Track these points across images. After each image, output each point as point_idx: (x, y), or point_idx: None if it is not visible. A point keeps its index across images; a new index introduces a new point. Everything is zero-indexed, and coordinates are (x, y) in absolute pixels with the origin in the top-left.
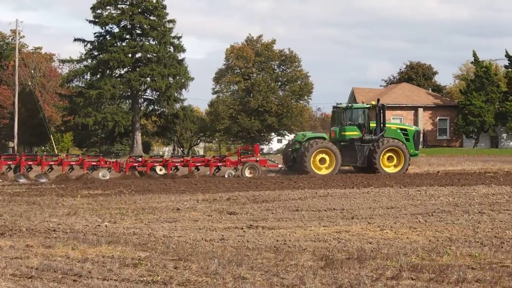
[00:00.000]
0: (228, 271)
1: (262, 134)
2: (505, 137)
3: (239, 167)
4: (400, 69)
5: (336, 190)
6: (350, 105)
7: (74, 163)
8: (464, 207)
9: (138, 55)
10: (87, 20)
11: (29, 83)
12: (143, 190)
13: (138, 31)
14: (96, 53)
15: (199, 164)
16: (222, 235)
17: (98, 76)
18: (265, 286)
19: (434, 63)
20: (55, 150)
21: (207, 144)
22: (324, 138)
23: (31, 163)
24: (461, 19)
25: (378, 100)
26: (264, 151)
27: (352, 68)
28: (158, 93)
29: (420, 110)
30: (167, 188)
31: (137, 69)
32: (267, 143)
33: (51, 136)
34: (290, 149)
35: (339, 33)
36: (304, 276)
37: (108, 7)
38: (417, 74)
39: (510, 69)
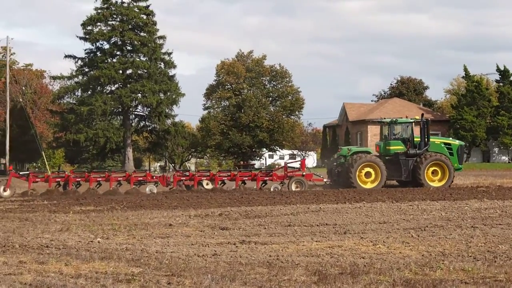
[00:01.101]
0: (221, 287)
1: (253, 149)
2: (496, 152)
3: (286, 182)
4: (391, 84)
5: (328, 205)
6: (394, 119)
7: (121, 178)
8: (457, 222)
9: (129, 71)
10: (77, 36)
11: (20, 100)
12: (135, 206)
13: (129, 47)
14: (87, 70)
15: (246, 178)
16: (215, 251)
17: (89, 92)
18: None
19: (425, 78)
20: (47, 166)
21: (198, 159)
22: (369, 152)
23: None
24: (452, 34)
25: (423, 114)
26: (256, 166)
27: (343, 83)
28: (149, 109)
29: (412, 125)
30: (159, 204)
31: (128, 85)
32: (258, 158)
33: (43, 152)
34: (335, 164)
35: (329, 49)
36: None
37: (98, 24)
38: (408, 89)
39: (501, 84)
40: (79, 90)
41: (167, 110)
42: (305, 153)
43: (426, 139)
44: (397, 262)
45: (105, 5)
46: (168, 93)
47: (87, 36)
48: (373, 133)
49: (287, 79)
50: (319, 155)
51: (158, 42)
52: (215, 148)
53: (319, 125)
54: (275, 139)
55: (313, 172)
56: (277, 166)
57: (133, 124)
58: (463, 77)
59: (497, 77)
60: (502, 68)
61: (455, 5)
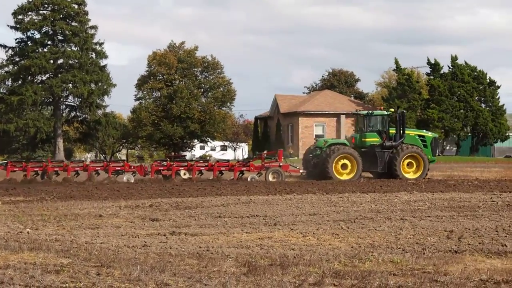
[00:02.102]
0: (150, 278)
1: (184, 140)
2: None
3: (263, 172)
4: (322, 76)
5: (259, 197)
6: (370, 112)
7: (99, 168)
8: (386, 214)
9: (60, 61)
10: (8, 25)
11: None
12: (65, 196)
13: (60, 37)
14: (17, 59)
15: (224, 169)
16: (145, 242)
17: (20, 82)
18: None
19: (356, 70)
20: None
21: (129, 150)
22: (345, 144)
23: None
24: (383, 26)
25: (398, 107)
26: (187, 157)
27: (275, 75)
28: (80, 99)
29: (343, 117)
30: (90, 194)
31: (59, 75)
32: (189, 149)
33: None
34: (310, 155)
35: (261, 40)
36: (227, 282)
37: (29, 13)
38: (339, 81)
39: (431, 77)
40: (10, 79)
41: (98, 101)
42: (236, 145)
43: (401, 132)
44: (326, 254)
45: None
46: (99, 84)
47: (18, 26)
48: (304, 125)
49: (219, 70)
50: (251, 147)
51: (89, 32)
52: (146, 139)
53: (250, 117)
54: (207, 131)
55: (289, 163)
56: (208, 158)
57: (64, 115)
58: (394, 70)
59: (428, 70)
60: (432, 61)
61: None
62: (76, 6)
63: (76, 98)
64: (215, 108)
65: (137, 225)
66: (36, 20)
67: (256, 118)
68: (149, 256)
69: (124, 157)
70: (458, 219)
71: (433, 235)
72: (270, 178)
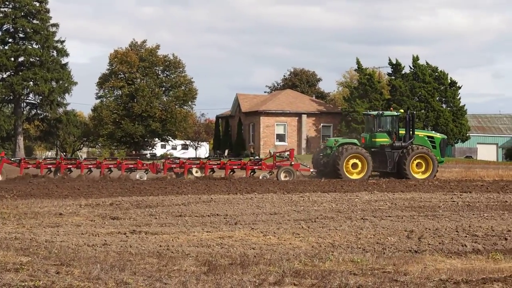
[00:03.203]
0: (110, 276)
1: (146, 139)
2: None
3: (274, 171)
4: (284, 76)
5: (220, 196)
6: (380, 112)
7: (112, 166)
8: (347, 214)
9: (21, 59)
10: None
11: None
12: (25, 194)
13: (21, 35)
14: None
15: (236, 167)
16: (105, 240)
17: None
18: None
19: (318, 70)
20: None
21: (90, 149)
22: (355, 144)
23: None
24: (345, 26)
25: (408, 108)
26: (148, 156)
27: (237, 74)
28: (41, 97)
29: (304, 117)
30: (50, 192)
31: (20, 73)
32: (150, 148)
33: None
34: (321, 154)
35: (223, 39)
36: (187, 281)
37: None
38: (301, 81)
39: (393, 77)
40: None
41: (59, 99)
42: (197, 144)
43: (411, 132)
44: (287, 253)
45: None
46: (61, 82)
47: None
48: (265, 125)
49: (181, 69)
50: (212, 146)
51: (51, 29)
52: (107, 137)
53: (212, 116)
54: (168, 129)
55: (300, 162)
56: (168, 156)
57: (24, 112)
58: (355, 70)
59: (389, 70)
60: (394, 62)
61: None
62: (37, 4)
63: (37, 96)
64: (176, 107)
65: (98, 224)
66: None
67: (218, 117)
68: (109, 254)
69: (84, 156)
70: (418, 219)
71: (393, 235)
72: (282, 177)
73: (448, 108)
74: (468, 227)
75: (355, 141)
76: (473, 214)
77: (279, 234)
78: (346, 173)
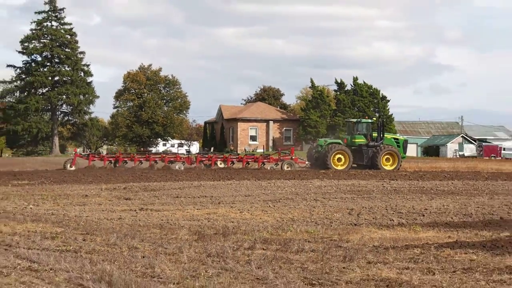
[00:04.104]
0: (124, 243)
1: (151, 139)
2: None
3: (279, 163)
4: (256, 91)
5: (207, 182)
6: (359, 120)
7: (157, 159)
8: (303, 196)
9: (56, 78)
10: (16, 50)
11: None
12: (59, 181)
13: (56, 60)
14: (23, 76)
15: (250, 160)
16: (120, 215)
17: (25, 93)
18: (152, 254)
19: (281, 87)
20: None
21: (109, 146)
22: (340, 143)
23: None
24: (302, 55)
25: (379, 116)
26: (153, 151)
27: (220, 90)
28: (71, 107)
29: (271, 123)
30: (78, 179)
31: (56, 89)
32: (154, 146)
33: None
34: (314, 151)
35: (210, 64)
36: (182, 246)
37: (33, 41)
38: (268, 95)
39: (338, 93)
40: (18, 92)
41: (85, 108)
42: (190, 143)
43: (381, 135)
44: (257, 226)
45: (39, 27)
46: (86, 95)
47: (24, 51)
48: (241, 129)
49: (178, 86)
50: (201, 144)
51: (79, 56)
52: (122, 137)
53: (201, 122)
54: (168, 132)
55: (298, 157)
56: (169, 152)
57: (59, 119)
58: (310, 87)
59: (335, 87)
60: (339, 81)
61: (305, 34)
62: (69, 37)
63: (69, 106)
64: (174, 115)
65: (114, 203)
66: (38, 47)
67: (205, 123)
68: (123, 226)
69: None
70: (357, 200)
71: (338, 212)
72: (285, 167)
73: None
74: (395, 206)
75: (340, 141)
76: (399, 197)
77: (252, 211)
78: (333, 165)
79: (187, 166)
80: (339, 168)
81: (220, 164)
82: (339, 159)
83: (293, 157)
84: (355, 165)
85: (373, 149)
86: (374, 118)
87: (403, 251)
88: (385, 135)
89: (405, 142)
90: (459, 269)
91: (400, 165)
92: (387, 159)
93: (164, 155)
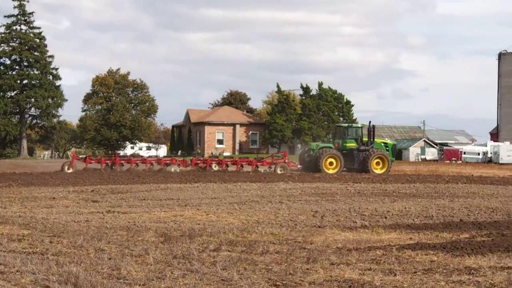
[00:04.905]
0: (91, 245)
1: (119, 142)
2: (299, 147)
3: (273, 166)
4: (223, 96)
5: (174, 185)
6: (350, 124)
7: (154, 161)
8: (268, 198)
9: (25, 81)
10: None
11: None
12: (27, 183)
13: (25, 63)
14: None
15: (244, 163)
16: (87, 218)
17: None
18: (118, 255)
19: (248, 92)
20: None
21: (77, 149)
22: (331, 148)
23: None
24: (268, 59)
25: (370, 121)
26: (121, 154)
27: (188, 94)
28: (40, 110)
29: (238, 126)
30: (46, 182)
31: (24, 92)
32: (122, 149)
33: None
34: (306, 154)
35: (178, 68)
36: (148, 248)
37: (2, 45)
38: (235, 100)
39: (303, 97)
40: None
41: (54, 111)
42: (158, 146)
43: (371, 139)
44: (223, 228)
45: (8, 31)
46: (55, 99)
47: None
48: (208, 132)
49: (145, 90)
50: (169, 147)
51: (48, 59)
52: (90, 140)
53: (169, 125)
54: (136, 135)
55: (290, 161)
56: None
57: (27, 122)
58: (276, 91)
59: (301, 92)
60: (304, 86)
61: (271, 39)
62: (38, 40)
63: (37, 109)
64: (142, 118)
65: (82, 205)
66: (7, 50)
67: (173, 126)
68: (90, 228)
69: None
70: (321, 202)
71: (302, 214)
72: (278, 170)
73: (344, 120)
74: (358, 208)
75: (331, 145)
76: (362, 199)
77: (218, 213)
78: (324, 169)
79: (182, 169)
80: (331, 171)
81: (215, 167)
82: (330, 163)
83: (286, 161)
84: (345, 169)
85: (364, 153)
86: (365, 123)
87: (366, 252)
88: (375, 140)
89: (394, 146)
90: (420, 270)
91: (390, 168)
92: (377, 163)
93: (131, 158)
